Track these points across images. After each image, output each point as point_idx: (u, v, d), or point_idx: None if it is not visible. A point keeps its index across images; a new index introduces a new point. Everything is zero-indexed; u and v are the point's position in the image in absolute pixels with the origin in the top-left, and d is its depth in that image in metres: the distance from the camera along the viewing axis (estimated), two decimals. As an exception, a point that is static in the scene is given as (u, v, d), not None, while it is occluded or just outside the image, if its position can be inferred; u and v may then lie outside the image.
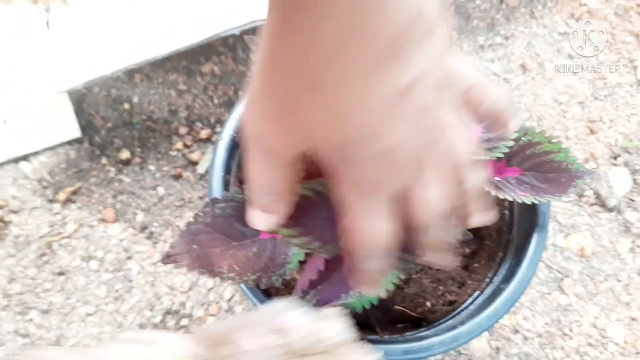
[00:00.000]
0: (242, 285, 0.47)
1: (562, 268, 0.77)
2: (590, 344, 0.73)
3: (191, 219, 0.44)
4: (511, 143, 0.48)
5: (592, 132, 0.86)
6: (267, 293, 0.52)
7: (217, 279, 0.43)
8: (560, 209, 0.81)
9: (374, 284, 0.38)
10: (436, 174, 0.33)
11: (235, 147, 0.58)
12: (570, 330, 0.74)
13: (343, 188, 0.33)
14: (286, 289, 0.56)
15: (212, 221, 0.44)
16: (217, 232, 0.44)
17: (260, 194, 0.37)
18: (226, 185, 0.56)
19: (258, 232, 0.45)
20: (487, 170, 0.49)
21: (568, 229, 0.80)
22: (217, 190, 0.55)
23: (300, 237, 0.39)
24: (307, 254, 0.45)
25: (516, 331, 0.73)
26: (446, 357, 0.71)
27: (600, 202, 0.81)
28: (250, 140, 0.34)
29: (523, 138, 0.50)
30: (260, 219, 0.38)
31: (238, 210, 0.44)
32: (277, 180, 0.36)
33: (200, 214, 0.44)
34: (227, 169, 0.57)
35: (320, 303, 0.47)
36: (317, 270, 0.44)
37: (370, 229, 0.33)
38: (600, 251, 0.78)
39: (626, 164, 0.84)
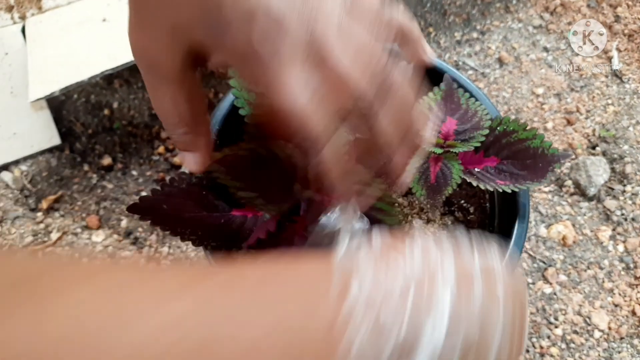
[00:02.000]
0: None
1: (545, 258, 0.78)
2: (575, 332, 0.74)
3: (167, 181, 0.43)
4: (486, 131, 0.49)
5: (569, 123, 0.88)
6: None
7: (178, 237, 0.43)
8: (541, 200, 0.82)
9: (363, 198, 0.36)
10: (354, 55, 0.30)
11: (216, 149, 0.58)
12: (556, 319, 0.75)
13: (278, 96, 0.29)
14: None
15: (187, 188, 0.43)
16: (190, 199, 0.43)
17: (170, 129, 0.34)
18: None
19: (230, 207, 0.45)
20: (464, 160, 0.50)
21: (549, 219, 0.81)
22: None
23: (247, 191, 0.40)
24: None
25: (502, 321, 0.74)
26: (435, 350, 0.72)
27: (580, 191, 0.83)
28: (138, 62, 0.32)
29: (498, 128, 0.50)
30: (187, 159, 0.36)
31: (216, 183, 0.43)
32: (174, 104, 0.33)
33: (177, 178, 0.43)
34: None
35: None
36: (267, 230, 0.43)
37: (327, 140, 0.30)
38: (582, 240, 0.80)
39: (604, 153, 0.85)
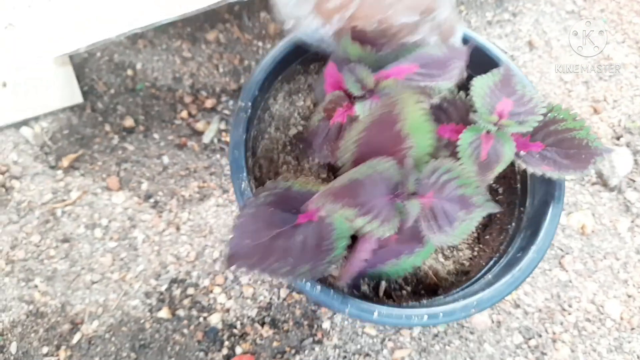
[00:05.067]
0: (300, 284, 0.48)
1: (563, 245, 0.78)
2: (588, 320, 0.74)
3: (238, 212, 0.46)
4: (540, 117, 0.49)
5: (596, 111, 0.87)
6: (325, 283, 0.52)
7: (277, 277, 0.45)
8: (563, 187, 0.82)
9: None
10: None
11: (250, 122, 0.57)
12: (570, 306, 0.75)
13: None
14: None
15: (256, 211, 0.46)
16: (261, 222, 0.45)
17: None
18: (247, 161, 0.55)
19: (296, 217, 0.46)
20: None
21: (570, 206, 0.81)
22: (239, 166, 0.54)
23: (362, 217, 0.40)
24: (352, 237, 0.46)
25: (517, 306, 0.74)
26: (449, 330, 0.72)
27: (602, 181, 0.82)
28: None
29: (549, 114, 0.50)
30: None
31: (279, 196, 0.46)
32: None
33: (244, 207, 0.46)
34: (246, 145, 0.56)
35: (363, 273, 0.50)
36: (372, 249, 0.46)
37: None
38: (601, 229, 0.80)
39: (628, 145, 0.85)
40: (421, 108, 0.43)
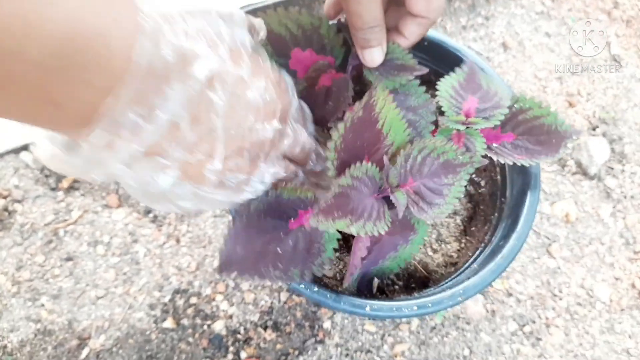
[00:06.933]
0: (295, 286, 0.50)
1: (549, 234, 0.81)
2: (579, 304, 0.77)
3: (230, 222, 0.47)
4: (506, 110, 0.51)
5: (571, 105, 0.91)
6: (321, 284, 0.54)
7: (267, 281, 0.47)
8: (545, 178, 0.85)
9: (373, 50, 0.48)
10: None
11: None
12: (560, 292, 0.78)
13: None
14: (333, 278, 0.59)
15: (247, 220, 0.47)
16: (253, 229, 0.47)
17: (371, 30, 0.45)
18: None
19: (287, 223, 0.48)
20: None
21: (553, 196, 0.84)
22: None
23: (355, 223, 0.43)
24: (341, 240, 0.49)
25: (509, 294, 0.77)
26: (446, 322, 0.74)
27: (582, 170, 0.86)
28: None
29: (515, 105, 0.53)
30: (375, 54, 0.48)
31: (269, 205, 0.48)
32: (379, 9, 0.44)
33: (236, 216, 0.47)
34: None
35: (367, 272, 0.52)
36: (366, 247, 0.48)
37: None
38: (584, 216, 0.83)
39: (604, 134, 0.88)
40: (396, 106, 0.46)
